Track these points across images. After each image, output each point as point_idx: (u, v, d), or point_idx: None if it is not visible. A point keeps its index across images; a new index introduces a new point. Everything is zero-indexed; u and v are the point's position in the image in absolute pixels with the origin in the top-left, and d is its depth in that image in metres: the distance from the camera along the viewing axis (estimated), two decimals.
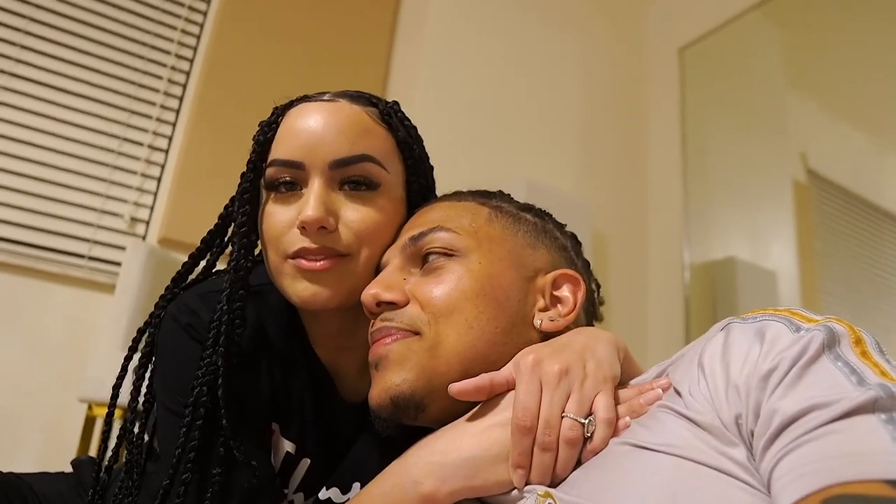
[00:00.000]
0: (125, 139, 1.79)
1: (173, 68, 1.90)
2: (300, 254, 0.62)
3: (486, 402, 0.53)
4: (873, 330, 0.44)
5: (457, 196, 0.67)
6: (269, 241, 0.65)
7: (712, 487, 0.40)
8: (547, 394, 0.49)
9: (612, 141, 2.34)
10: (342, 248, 0.62)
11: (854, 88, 1.95)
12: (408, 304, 0.58)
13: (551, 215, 0.69)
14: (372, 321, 0.60)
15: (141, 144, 1.84)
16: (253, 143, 0.67)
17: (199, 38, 1.96)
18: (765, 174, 2.09)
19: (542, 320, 0.58)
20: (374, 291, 0.58)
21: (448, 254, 0.59)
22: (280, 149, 0.65)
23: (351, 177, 0.64)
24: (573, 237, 0.69)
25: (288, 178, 0.64)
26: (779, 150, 2.08)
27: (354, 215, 0.63)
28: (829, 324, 0.42)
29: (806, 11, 2.08)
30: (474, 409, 0.53)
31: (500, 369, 0.54)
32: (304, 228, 0.62)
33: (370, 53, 2.17)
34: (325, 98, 0.67)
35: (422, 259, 0.60)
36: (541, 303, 0.59)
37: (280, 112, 0.68)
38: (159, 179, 1.85)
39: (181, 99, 1.91)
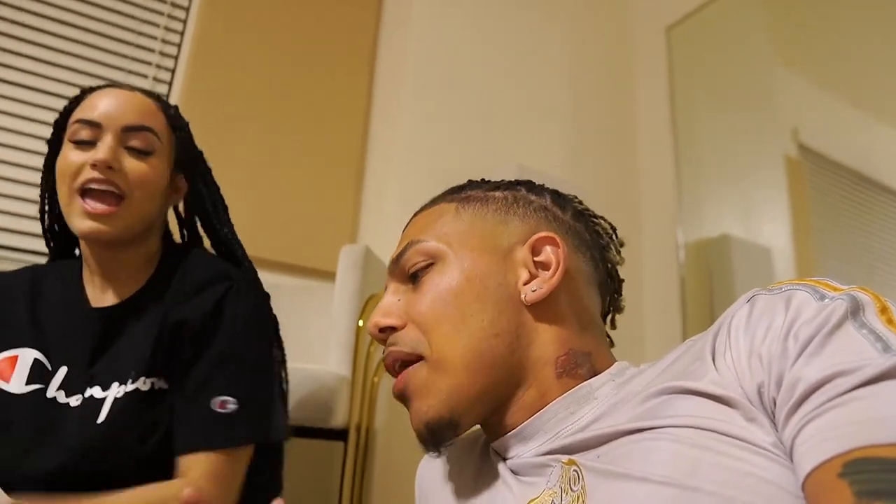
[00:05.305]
0: None
1: (158, 66, 1.89)
2: (88, 184, 0.83)
3: None
4: None
5: (430, 202, 0.68)
6: (63, 177, 0.85)
7: (736, 453, 0.41)
8: None
9: (602, 123, 2.33)
10: (122, 186, 0.85)
11: (842, 61, 1.94)
12: (405, 325, 0.60)
13: (528, 181, 0.68)
14: (384, 350, 0.62)
15: None
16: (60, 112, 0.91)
17: (182, 34, 1.94)
18: (756, 150, 2.09)
19: (525, 294, 0.58)
20: (374, 320, 0.61)
21: (427, 264, 0.60)
22: (85, 112, 0.87)
23: (134, 140, 0.87)
24: (554, 193, 0.68)
25: (85, 138, 0.85)
26: (770, 125, 2.07)
27: (132, 166, 0.86)
28: (853, 293, 0.43)
29: None
30: None
31: (508, 360, 0.56)
32: (94, 165, 0.83)
33: (356, 46, 2.15)
34: (124, 87, 0.91)
35: (410, 277, 0.62)
36: (524, 275, 0.59)
37: (87, 91, 0.91)
38: None
39: (167, 94, 1.89)
